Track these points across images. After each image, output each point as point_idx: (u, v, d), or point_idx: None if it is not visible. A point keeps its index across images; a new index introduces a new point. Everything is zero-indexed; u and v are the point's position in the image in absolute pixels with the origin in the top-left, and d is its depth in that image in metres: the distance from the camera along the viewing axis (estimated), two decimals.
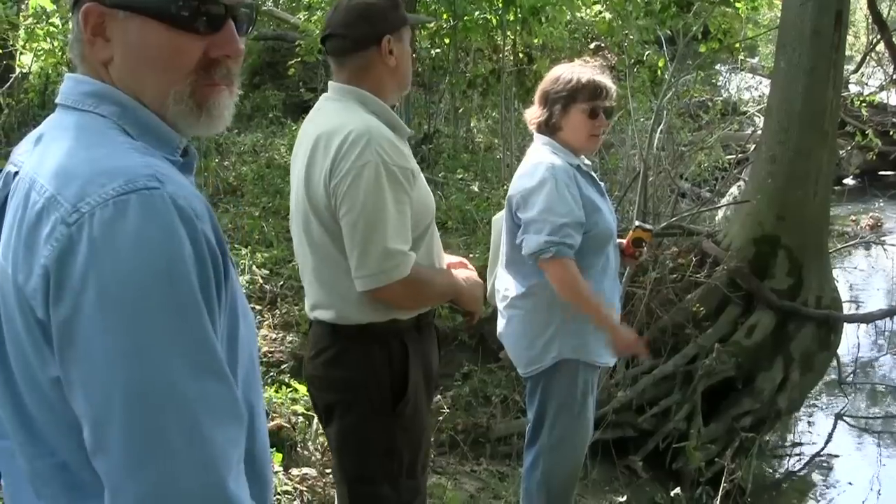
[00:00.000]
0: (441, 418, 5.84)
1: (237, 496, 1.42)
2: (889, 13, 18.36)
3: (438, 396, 6.06)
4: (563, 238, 3.86)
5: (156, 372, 1.37)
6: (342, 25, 3.09)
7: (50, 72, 11.18)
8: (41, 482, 1.55)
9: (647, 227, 4.47)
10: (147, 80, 1.61)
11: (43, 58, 10.69)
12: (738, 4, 11.16)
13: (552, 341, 4.08)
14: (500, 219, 4.50)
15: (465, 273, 3.47)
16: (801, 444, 7.29)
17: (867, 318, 7.93)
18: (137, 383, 1.37)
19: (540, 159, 4.06)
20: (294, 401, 5.19)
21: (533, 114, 4.23)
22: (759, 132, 7.94)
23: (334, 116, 3.04)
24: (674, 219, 7.58)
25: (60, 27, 9.92)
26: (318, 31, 9.55)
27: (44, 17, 9.87)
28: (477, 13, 12.03)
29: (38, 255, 1.40)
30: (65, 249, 1.38)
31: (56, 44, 10.17)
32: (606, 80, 4.14)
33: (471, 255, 7.56)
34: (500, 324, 4.33)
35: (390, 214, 2.90)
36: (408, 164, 3.02)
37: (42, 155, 1.53)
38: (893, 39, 8.90)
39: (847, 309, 8.11)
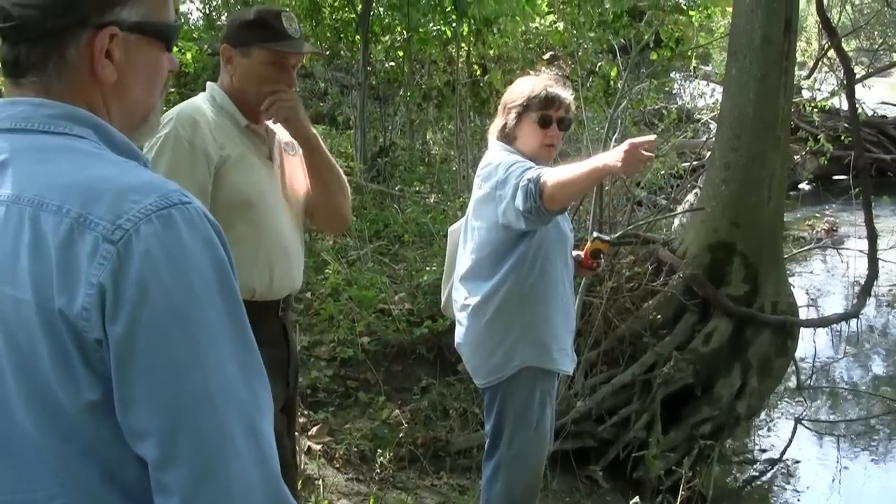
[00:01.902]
0: (400, 433, 5.82)
1: (284, 486, 1.52)
2: (839, 19, 18.58)
3: (397, 410, 6.05)
4: (524, 170, 3.84)
5: (218, 378, 1.44)
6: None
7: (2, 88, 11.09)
8: None
9: (605, 237, 4.49)
10: (140, 98, 1.67)
11: None
12: (691, 13, 11.24)
13: (514, 349, 4.10)
14: (456, 229, 4.51)
15: None
16: (762, 449, 7.32)
17: (823, 323, 7.99)
18: (203, 391, 1.43)
19: (492, 157, 4.15)
20: None
21: (495, 124, 4.29)
22: (714, 139, 7.97)
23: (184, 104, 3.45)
24: (630, 227, 7.60)
25: None
26: None
27: None
28: (431, 25, 12.05)
29: (83, 275, 1.40)
30: (117, 266, 1.40)
31: None
32: (561, 91, 4.18)
33: (427, 268, 7.57)
34: (459, 333, 4.33)
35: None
36: (211, 145, 3.27)
37: (26, 178, 1.51)
38: (842, 45, 8.97)
39: (804, 313, 8.16)
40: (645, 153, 3.63)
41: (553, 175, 3.76)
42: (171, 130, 3.21)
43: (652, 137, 3.74)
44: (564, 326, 4.26)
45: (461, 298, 4.27)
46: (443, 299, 4.76)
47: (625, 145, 3.64)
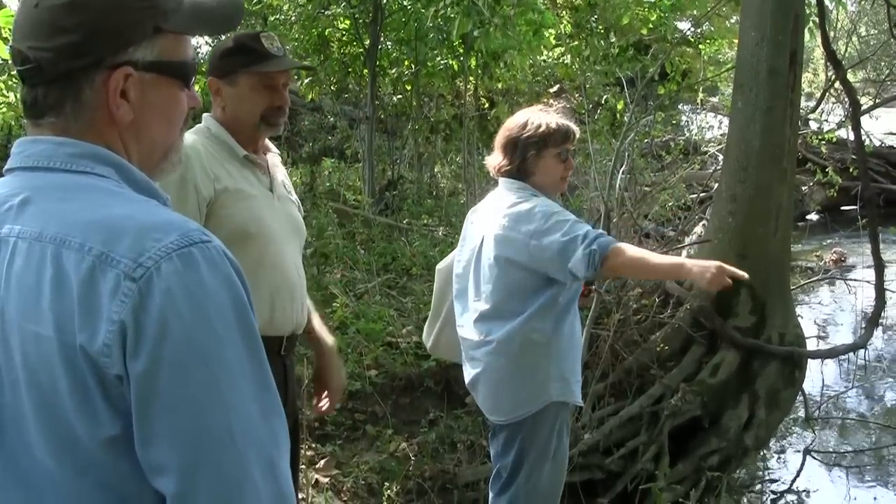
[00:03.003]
0: (408, 466, 5.82)
1: None
2: (846, 50, 18.59)
3: (404, 443, 6.04)
4: (586, 231, 3.92)
5: (237, 415, 1.46)
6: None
7: (12, 124, 11.12)
8: None
9: None
10: (159, 137, 1.70)
11: (3, 111, 10.63)
12: (700, 47, 11.30)
13: (544, 385, 4.11)
14: (444, 268, 4.54)
15: None
16: (771, 480, 7.29)
17: (831, 354, 7.96)
18: (223, 427, 1.45)
19: (519, 198, 4.15)
20: None
21: (496, 160, 4.27)
22: (720, 171, 7.98)
23: None
24: None
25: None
26: None
27: (5, 69, 9.83)
28: (439, 59, 12.11)
29: (105, 312, 1.43)
30: (138, 303, 1.42)
31: (18, 96, 10.12)
32: (570, 123, 4.22)
33: None
34: (471, 372, 4.31)
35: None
36: (203, 180, 3.21)
37: (48, 215, 1.53)
38: (848, 77, 8.99)
39: (812, 344, 8.14)
40: (728, 280, 3.79)
41: (628, 252, 3.91)
42: None
43: (744, 275, 3.86)
44: (578, 357, 4.33)
45: (477, 336, 4.24)
46: (430, 341, 4.76)
47: (715, 265, 3.84)
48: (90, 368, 1.44)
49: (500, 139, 4.29)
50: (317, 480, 5.49)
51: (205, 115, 3.48)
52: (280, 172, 3.59)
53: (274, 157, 3.56)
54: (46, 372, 1.46)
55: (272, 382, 1.55)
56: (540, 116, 4.22)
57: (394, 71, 12.80)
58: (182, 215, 1.59)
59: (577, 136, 4.26)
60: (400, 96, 13.34)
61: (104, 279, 1.44)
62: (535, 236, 4.00)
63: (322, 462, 5.73)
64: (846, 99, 10.36)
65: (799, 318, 7.45)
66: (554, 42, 13.27)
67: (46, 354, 1.46)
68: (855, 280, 10.22)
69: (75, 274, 1.45)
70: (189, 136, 3.28)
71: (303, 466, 5.39)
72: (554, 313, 4.12)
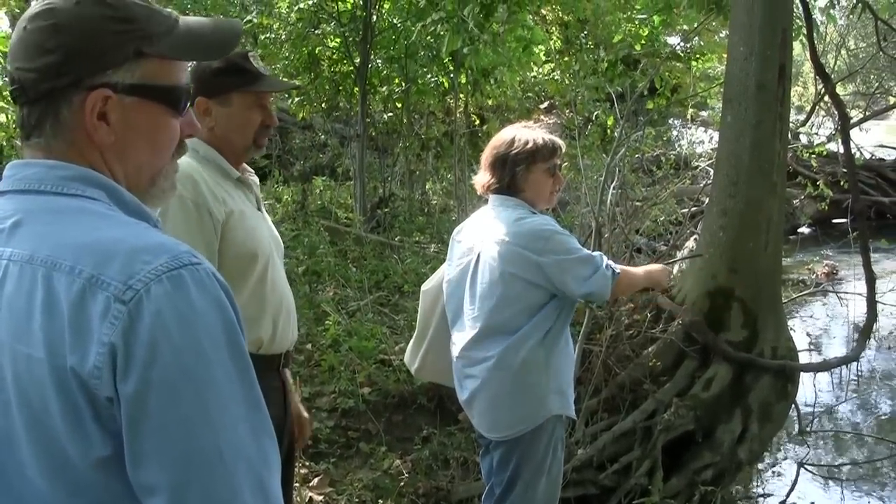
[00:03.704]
0: (402, 483, 5.81)
1: None
2: (835, 64, 18.67)
3: (398, 460, 6.04)
4: (603, 263, 4.14)
5: (227, 436, 1.47)
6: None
7: (3, 145, 11.11)
8: None
9: None
10: (144, 161, 1.70)
11: None
12: (692, 62, 11.33)
13: (544, 399, 4.15)
14: (430, 289, 4.57)
15: None
16: (765, 495, 7.29)
17: (823, 367, 7.97)
18: (213, 448, 1.45)
19: (521, 214, 4.19)
20: None
21: (484, 179, 4.30)
22: (711, 185, 8.00)
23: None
24: None
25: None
26: None
27: None
28: (429, 76, 12.14)
29: (95, 335, 1.43)
30: (128, 325, 1.43)
31: (10, 117, 10.12)
32: (556, 138, 4.28)
33: None
34: (468, 389, 4.31)
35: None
36: (213, 203, 3.17)
37: (39, 238, 1.54)
38: (837, 90, 9.03)
39: (804, 357, 8.15)
40: None
41: (624, 275, 4.24)
42: None
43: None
44: (572, 372, 4.36)
45: (475, 353, 4.24)
46: (416, 363, 4.76)
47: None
48: (81, 390, 1.44)
49: (486, 157, 4.32)
50: (311, 498, 5.49)
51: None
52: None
53: (251, 176, 3.54)
54: (38, 393, 1.47)
55: (262, 403, 1.55)
56: (526, 133, 4.26)
57: (384, 88, 12.83)
58: (183, 239, 1.60)
59: (564, 150, 4.30)
60: (391, 114, 13.37)
61: (94, 302, 1.45)
62: (545, 254, 4.05)
63: (316, 480, 5.73)
64: (836, 112, 10.39)
65: (791, 332, 7.45)
66: (544, 58, 13.31)
67: (38, 376, 1.47)
68: (847, 293, 10.22)
69: (66, 296, 1.46)
70: (186, 160, 3.24)
71: (297, 484, 5.39)
72: (554, 328, 4.16)
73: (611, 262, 4.17)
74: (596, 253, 4.19)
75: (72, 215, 1.57)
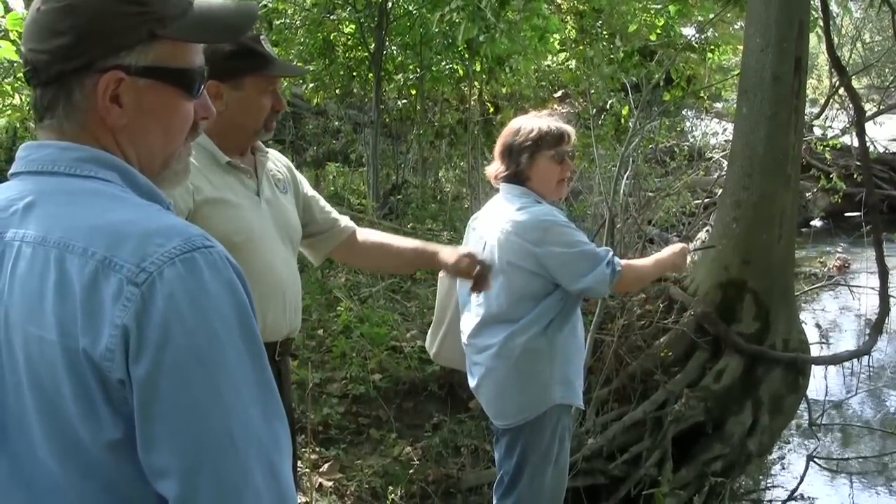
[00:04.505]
0: (412, 470, 5.82)
1: None
2: (850, 57, 18.59)
3: (408, 447, 6.05)
4: (604, 260, 4.07)
5: (239, 419, 1.47)
6: None
7: (17, 126, 11.13)
8: None
9: None
10: (157, 144, 1.69)
11: (8, 113, 10.63)
12: (708, 55, 11.29)
13: (547, 387, 4.14)
14: (447, 275, 4.56)
15: None
16: (774, 487, 7.29)
17: (835, 360, 7.97)
18: (224, 431, 1.45)
19: (524, 203, 4.18)
20: None
21: (495, 168, 4.30)
22: (725, 177, 7.99)
23: None
24: None
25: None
26: None
27: (11, 71, 9.82)
28: (444, 63, 12.11)
29: (108, 317, 1.44)
30: (141, 308, 1.43)
31: (24, 98, 10.13)
32: (565, 126, 4.24)
33: None
34: (476, 376, 4.33)
35: None
36: (181, 196, 3.07)
37: (52, 219, 1.54)
38: (853, 83, 9.00)
39: (816, 350, 8.14)
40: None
41: (630, 270, 4.17)
42: None
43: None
44: (581, 362, 4.35)
45: (480, 341, 4.26)
46: (434, 349, 4.77)
47: (679, 249, 4.28)
48: (93, 372, 1.45)
49: (497, 147, 4.35)
50: (321, 484, 5.50)
51: None
52: (272, 171, 3.49)
53: (262, 158, 3.45)
54: (49, 375, 1.47)
55: (274, 386, 1.56)
56: (532, 121, 4.26)
57: (399, 76, 12.81)
58: (185, 221, 1.60)
59: (573, 138, 4.26)
60: (405, 101, 13.34)
61: (107, 284, 1.45)
62: (542, 245, 4.04)
63: (326, 466, 5.73)
64: (850, 105, 10.36)
65: (803, 325, 7.44)
66: (559, 47, 13.27)
67: (49, 358, 1.47)
68: (859, 286, 10.22)
69: (78, 278, 1.46)
70: None
71: (307, 470, 5.41)
72: (557, 317, 4.15)
73: (615, 259, 4.11)
74: (601, 249, 4.15)
75: (85, 197, 1.56)
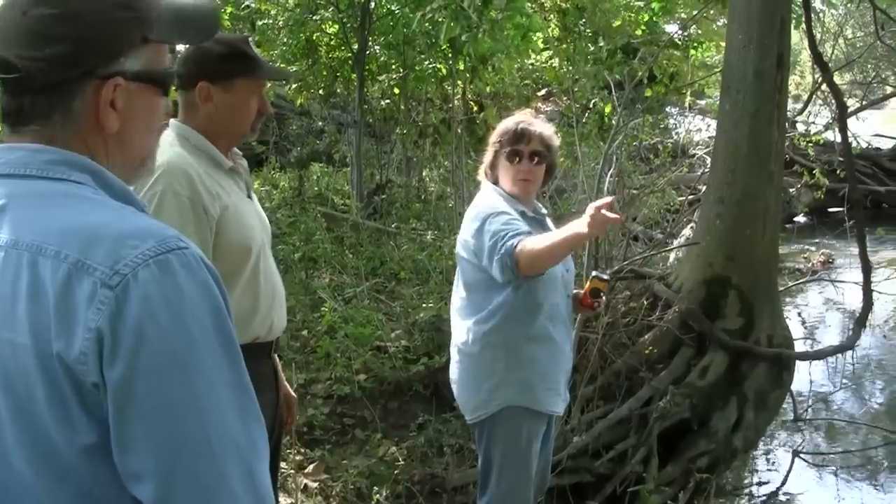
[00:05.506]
0: (397, 470, 5.82)
1: None
2: (833, 53, 18.65)
3: (393, 447, 6.05)
4: (504, 239, 3.87)
5: (215, 422, 1.45)
6: (178, 62, 3.29)
7: None
8: None
9: (604, 277, 4.31)
10: (138, 143, 1.69)
11: None
12: (691, 51, 11.29)
13: (497, 388, 4.13)
14: None
15: None
16: (759, 482, 7.30)
17: (819, 355, 7.98)
18: (201, 434, 1.44)
19: (480, 200, 4.23)
20: None
21: (483, 164, 4.38)
22: (708, 174, 8.01)
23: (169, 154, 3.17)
24: (626, 262, 7.61)
25: None
26: None
27: None
28: (427, 63, 12.11)
29: (81, 320, 1.42)
30: (115, 311, 1.41)
31: None
32: (534, 126, 4.21)
33: (423, 305, 7.58)
34: (452, 369, 4.36)
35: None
36: (208, 199, 3.11)
37: (24, 222, 1.52)
38: (835, 79, 9.02)
39: (800, 346, 8.15)
40: (609, 214, 3.62)
41: (528, 247, 3.80)
42: (166, 187, 3.02)
43: (610, 199, 3.73)
44: (555, 366, 4.25)
45: (455, 334, 4.32)
46: None
47: (590, 209, 3.64)
48: (67, 376, 1.43)
49: None
50: (306, 485, 5.49)
51: (172, 121, 3.28)
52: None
53: (240, 159, 3.46)
54: (22, 380, 1.46)
55: (251, 389, 1.54)
56: (506, 121, 4.32)
57: (382, 76, 12.81)
58: (159, 223, 1.59)
59: (540, 136, 4.21)
60: (388, 100, 13.36)
61: (80, 287, 1.43)
62: (476, 236, 4.04)
63: (311, 466, 5.73)
64: (833, 101, 10.40)
65: (787, 320, 7.46)
66: (542, 46, 13.28)
67: (22, 362, 1.45)
68: (842, 281, 10.23)
69: (51, 281, 1.45)
70: (174, 151, 3.16)
71: (292, 471, 5.40)
72: (511, 315, 4.10)
73: (511, 241, 3.84)
74: (510, 232, 3.88)
75: (57, 199, 1.54)
